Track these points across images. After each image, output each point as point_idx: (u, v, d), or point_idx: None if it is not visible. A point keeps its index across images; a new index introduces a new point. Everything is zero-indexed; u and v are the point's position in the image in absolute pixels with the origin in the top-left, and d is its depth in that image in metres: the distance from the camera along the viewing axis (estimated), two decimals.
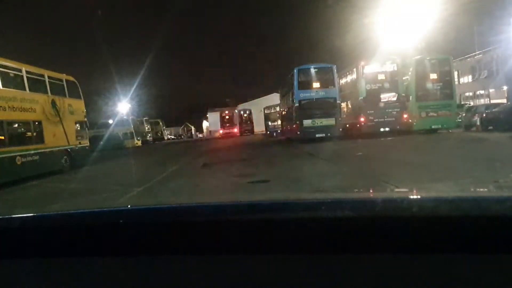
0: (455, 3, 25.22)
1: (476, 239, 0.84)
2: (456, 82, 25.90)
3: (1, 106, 11.24)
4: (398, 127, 19.70)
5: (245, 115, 50.19)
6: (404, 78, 20.43)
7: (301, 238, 0.93)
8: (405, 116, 19.90)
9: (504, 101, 26.60)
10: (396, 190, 2.67)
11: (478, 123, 19.28)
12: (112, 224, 1.06)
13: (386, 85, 20.39)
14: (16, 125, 12.56)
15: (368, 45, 31.47)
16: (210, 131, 71.98)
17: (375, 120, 20.12)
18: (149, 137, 47.68)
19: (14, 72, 12.79)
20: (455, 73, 25.88)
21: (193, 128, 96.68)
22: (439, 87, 19.83)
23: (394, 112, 20.06)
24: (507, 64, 27.97)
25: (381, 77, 20.49)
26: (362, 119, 20.25)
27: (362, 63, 20.59)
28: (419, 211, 0.88)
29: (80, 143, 15.70)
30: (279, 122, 30.96)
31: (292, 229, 0.94)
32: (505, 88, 29.95)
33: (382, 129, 19.82)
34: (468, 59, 35.42)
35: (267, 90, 57.20)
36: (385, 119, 20.00)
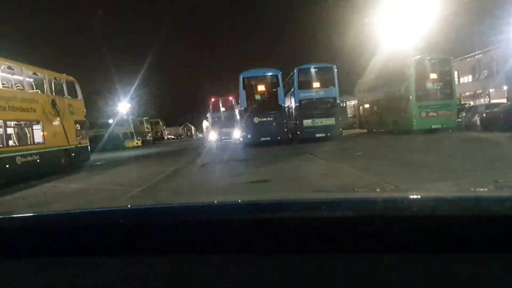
0: (455, 3, 25.27)
1: (476, 239, 0.84)
2: (456, 82, 25.88)
3: (1, 106, 11.25)
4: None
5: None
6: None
7: (301, 238, 0.93)
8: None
9: (504, 101, 26.59)
10: (396, 190, 2.67)
11: (478, 123, 19.27)
12: (112, 224, 1.06)
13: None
14: (16, 125, 12.56)
15: (368, 45, 31.54)
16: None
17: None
18: (149, 137, 47.58)
19: (14, 72, 12.80)
20: (455, 73, 25.87)
21: (193, 128, 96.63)
22: (439, 87, 19.81)
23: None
24: (507, 64, 27.98)
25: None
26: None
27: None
28: (419, 211, 0.88)
29: (80, 143, 15.70)
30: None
31: (292, 229, 0.94)
32: (505, 88, 29.96)
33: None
34: (468, 59, 35.41)
35: None
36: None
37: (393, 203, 0.99)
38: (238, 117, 29.65)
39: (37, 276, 0.98)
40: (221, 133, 31.12)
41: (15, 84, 12.89)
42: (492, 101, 28.63)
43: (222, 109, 32.50)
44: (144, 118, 47.14)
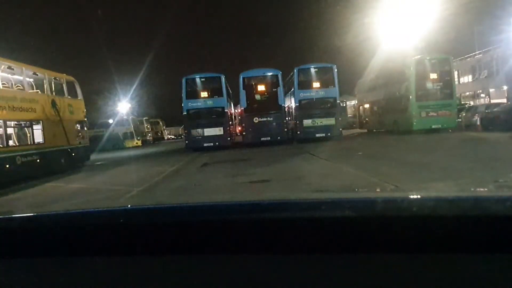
0: (455, 3, 25.33)
1: (476, 239, 0.84)
2: (456, 82, 25.88)
3: (1, 106, 11.25)
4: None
5: None
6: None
7: (301, 238, 0.93)
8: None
9: (504, 101, 26.61)
10: (396, 190, 2.67)
11: (478, 123, 19.28)
12: (112, 224, 1.06)
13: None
14: (16, 125, 12.56)
15: (368, 45, 31.56)
16: None
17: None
18: (149, 136, 47.56)
19: (14, 72, 12.80)
20: (455, 73, 25.86)
21: None
22: (439, 87, 19.81)
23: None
24: (507, 64, 28.02)
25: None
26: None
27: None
28: (419, 211, 0.88)
29: (80, 143, 15.70)
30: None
31: (292, 229, 0.94)
32: (505, 88, 29.99)
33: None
34: (468, 59, 35.41)
35: None
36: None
37: (393, 203, 0.99)
38: (231, 109, 23.86)
39: (37, 276, 0.98)
40: (200, 135, 19.88)
41: (15, 84, 12.90)
42: (492, 101, 28.61)
43: (203, 94, 20.40)
44: (144, 118, 47.11)
